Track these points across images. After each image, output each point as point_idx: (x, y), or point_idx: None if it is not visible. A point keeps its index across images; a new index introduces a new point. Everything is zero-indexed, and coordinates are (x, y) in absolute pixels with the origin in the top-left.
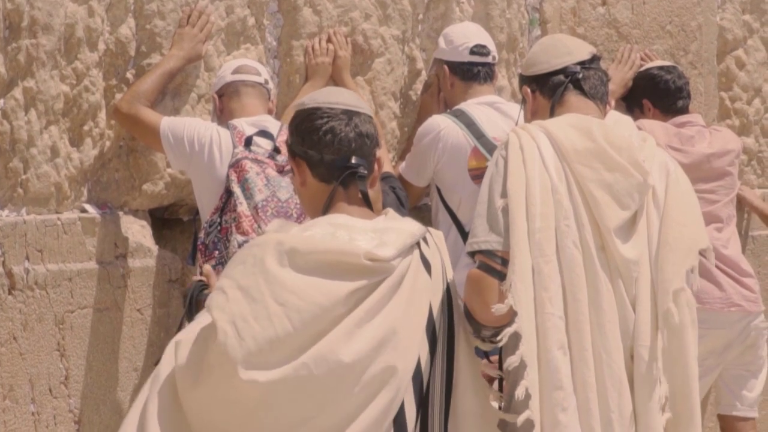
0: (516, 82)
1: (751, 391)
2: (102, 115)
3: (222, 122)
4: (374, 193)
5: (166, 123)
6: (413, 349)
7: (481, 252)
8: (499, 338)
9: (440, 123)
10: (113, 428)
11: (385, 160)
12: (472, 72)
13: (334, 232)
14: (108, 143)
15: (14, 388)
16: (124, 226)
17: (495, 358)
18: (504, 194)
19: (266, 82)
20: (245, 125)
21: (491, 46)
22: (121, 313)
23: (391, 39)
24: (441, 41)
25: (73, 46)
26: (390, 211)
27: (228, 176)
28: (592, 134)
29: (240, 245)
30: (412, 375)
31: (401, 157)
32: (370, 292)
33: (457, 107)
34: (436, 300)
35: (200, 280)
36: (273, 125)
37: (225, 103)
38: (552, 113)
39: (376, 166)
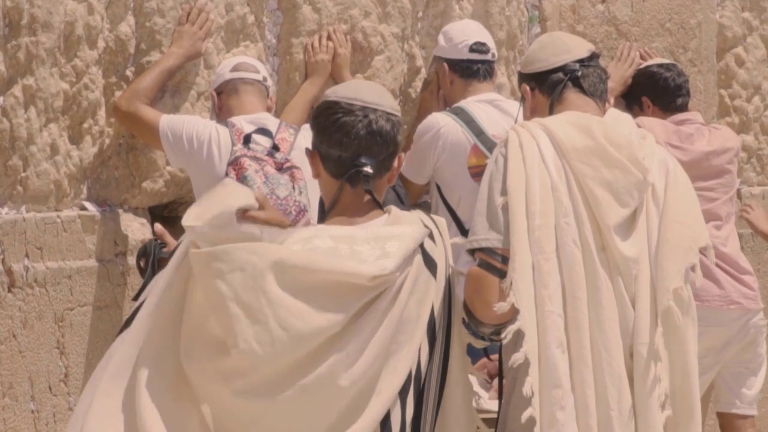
0: (515, 79)
1: (751, 389)
2: (102, 113)
3: (221, 120)
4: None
5: (166, 121)
6: (410, 358)
7: (481, 250)
8: (503, 336)
9: (440, 120)
10: None
11: None
12: (471, 69)
13: (336, 246)
14: (108, 141)
15: (14, 386)
16: (124, 223)
17: (495, 356)
18: (504, 192)
19: (265, 79)
20: (244, 123)
21: (491, 44)
22: (120, 310)
23: (391, 36)
24: (440, 39)
25: (72, 43)
26: (393, 209)
27: (227, 174)
28: (592, 132)
29: None
30: (412, 375)
31: None
32: (368, 307)
33: (456, 105)
34: (438, 299)
35: (155, 239)
36: (272, 123)
37: (224, 101)
38: (551, 111)
39: (395, 163)
